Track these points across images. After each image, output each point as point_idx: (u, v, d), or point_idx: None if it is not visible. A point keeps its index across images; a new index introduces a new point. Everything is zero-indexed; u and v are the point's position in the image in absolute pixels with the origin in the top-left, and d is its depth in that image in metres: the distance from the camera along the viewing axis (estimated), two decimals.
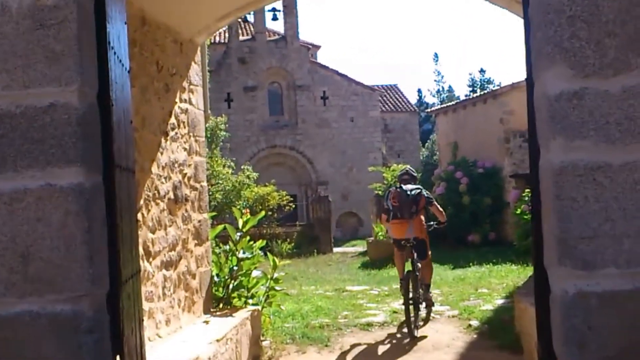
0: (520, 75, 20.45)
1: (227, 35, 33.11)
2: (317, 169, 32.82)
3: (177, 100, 6.78)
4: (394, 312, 9.33)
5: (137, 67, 5.74)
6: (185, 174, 6.84)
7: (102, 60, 3.10)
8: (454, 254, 18.53)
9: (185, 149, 6.89)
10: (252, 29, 34.01)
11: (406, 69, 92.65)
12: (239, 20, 33.40)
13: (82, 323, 2.84)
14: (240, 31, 33.43)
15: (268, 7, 32.82)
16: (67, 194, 2.83)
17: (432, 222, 9.38)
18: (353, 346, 7.49)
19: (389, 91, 42.01)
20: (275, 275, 7.71)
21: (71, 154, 2.83)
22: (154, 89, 6.15)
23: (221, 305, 7.58)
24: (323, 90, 33.38)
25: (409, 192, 8.68)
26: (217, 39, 34.15)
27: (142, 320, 3.91)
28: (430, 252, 9.33)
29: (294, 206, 25.13)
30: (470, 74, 64.81)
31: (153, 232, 5.91)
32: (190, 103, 7.16)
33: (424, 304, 8.76)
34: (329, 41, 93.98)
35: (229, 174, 21.59)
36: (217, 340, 5.83)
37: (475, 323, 8.22)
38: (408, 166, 10.48)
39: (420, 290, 8.57)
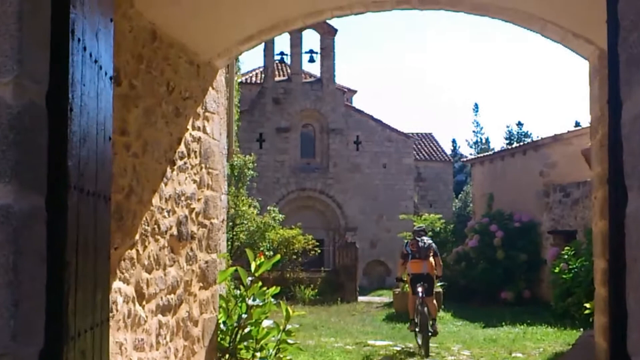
0: (560, 129, 19.75)
1: (262, 75, 32.81)
2: (347, 214, 32.05)
3: (189, 127, 6.14)
4: None
5: (142, 85, 5.12)
6: (193, 208, 6.16)
7: (59, 51, 2.43)
8: (485, 312, 17.58)
9: (195, 181, 6.22)
10: (288, 70, 33.68)
11: (442, 119, 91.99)
12: (276, 61, 33.16)
13: None
14: (276, 72, 33.10)
15: (305, 49, 32.53)
16: None
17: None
18: None
19: (423, 139, 41.31)
20: (289, 326, 6.93)
21: None
22: (161, 111, 5.51)
23: (227, 357, 6.83)
24: (357, 134, 32.79)
25: (423, 243, 11.91)
26: (253, 79, 33.93)
27: None
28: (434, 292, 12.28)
29: (319, 251, 24.32)
30: (507, 126, 63.84)
31: (149, 272, 5.21)
32: (205, 131, 6.51)
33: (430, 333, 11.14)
34: (366, 87, 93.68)
35: (254, 215, 20.92)
36: None
37: None
38: (422, 224, 14.41)
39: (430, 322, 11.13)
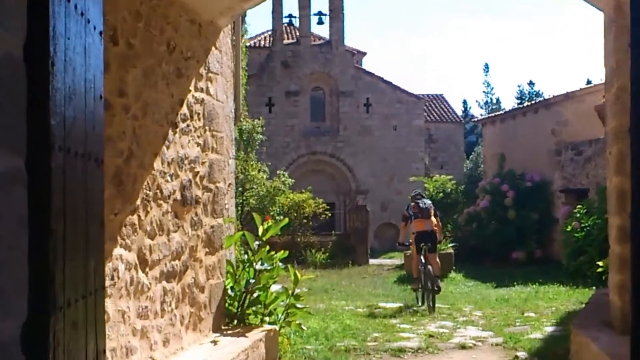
0: (572, 87, 19.41)
1: (271, 38, 32.44)
2: (357, 177, 31.91)
3: (192, 88, 5.97)
4: (430, 335, 8.37)
5: (140, 45, 4.95)
6: (197, 172, 6.01)
7: (38, 0, 2.26)
8: (497, 272, 17.50)
9: (198, 144, 6.07)
10: (296, 32, 33.31)
11: (452, 80, 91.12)
12: (284, 24, 32.77)
13: None
14: (284, 35, 32.72)
15: (314, 11, 32.13)
16: None
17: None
18: None
19: (434, 101, 40.92)
20: (297, 290, 6.82)
21: None
22: (162, 72, 5.34)
23: (235, 323, 6.74)
24: (367, 97, 32.50)
25: (423, 204, 12.57)
26: (262, 43, 33.58)
27: (104, 351, 3.06)
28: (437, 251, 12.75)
29: (330, 215, 24.21)
30: (519, 86, 63.09)
31: (152, 238, 5.09)
32: (208, 93, 6.33)
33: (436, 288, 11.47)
34: (375, 48, 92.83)
35: (264, 179, 20.80)
36: None
37: (522, 354, 7.20)
38: (419, 190, 15.19)
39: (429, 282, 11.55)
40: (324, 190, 28.85)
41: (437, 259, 12.40)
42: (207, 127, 6.27)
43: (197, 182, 6.00)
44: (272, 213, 19.69)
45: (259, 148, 21.28)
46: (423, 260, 11.96)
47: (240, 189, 19.37)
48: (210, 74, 6.38)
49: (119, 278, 4.58)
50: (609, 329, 5.79)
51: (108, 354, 4.36)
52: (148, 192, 5.04)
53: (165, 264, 5.32)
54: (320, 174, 31.81)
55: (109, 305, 4.40)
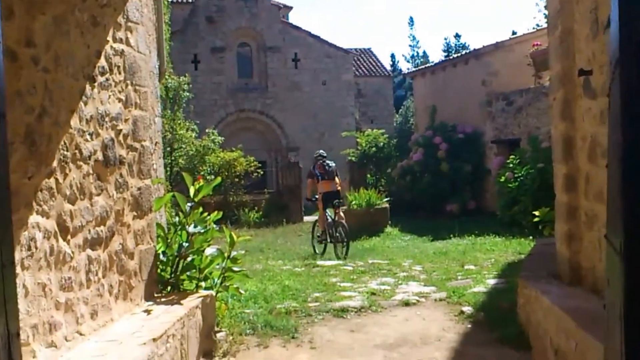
0: (499, 38, 19.36)
1: None
2: (288, 134, 31.55)
3: (110, 39, 5.44)
4: (372, 293, 8.14)
5: None
6: (120, 130, 5.52)
7: None
8: (432, 225, 17.52)
9: (120, 100, 5.56)
10: None
11: (379, 34, 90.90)
12: None
13: None
14: None
15: None
16: None
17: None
18: (324, 339, 6.28)
19: (362, 55, 40.62)
20: (234, 253, 6.45)
21: None
22: (75, 20, 4.80)
23: (169, 289, 6.34)
24: (295, 52, 32.02)
25: (328, 166, 14.24)
26: None
27: (18, 334, 2.65)
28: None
29: (262, 173, 23.83)
30: (445, 39, 63.34)
31: (72, 203, 4.61)
32: (129, 44, 5.81)
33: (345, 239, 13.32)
34: (302, 2, 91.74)
35: (193, 138, 20.21)
36: (154, 340, 4.59)
37: (468, 309, 7.01)
38: (321, 150, 15.55)
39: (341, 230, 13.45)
40: (255, 148, 28.43)
41: (342, 213, 14.17)
42: (128, 82, 5.77)
43: (120, 140, 5.52)
44: (202, 173, 19.19)
45: (185, 106, 20.63)
46: (332, 216, 13.82)
47: (168, 148, 18.78)
48: (129, 24, 5.86)
49: (37, 248, 4.12)
50: (557, 281, 5.64)
51: (29, 331, 3.94)
52: (65, 152, 4.55)
53: (89, 231, 4.87)
54: (250, 132, 31.32)
55: (27, 278, 3.96)
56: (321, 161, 14.28)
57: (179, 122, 19.66)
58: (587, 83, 4.98)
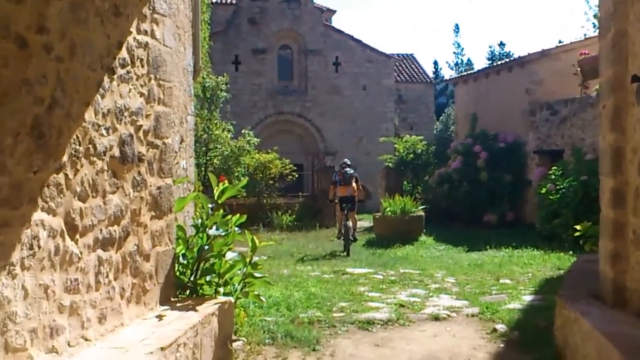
0: (544, 47, 18.74)
1: None
2: (326, 138, 31.27)
3: (133, 30, 5.19)
4: (401, 305, 7.79)
5: None
6: (140, 126, 5.26)
7: None
8: (468, 235, 17.05)
9: (142, 94, 5.31)
10: None
11: (423, 40, 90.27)
12: None
13: None
14: None
15: None
16: None
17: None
18: (346, 352, 5.95)
19: (404, 60, 40.20)
20: (256, 258, 6.16)
21: None
22: (94, 7, 4.56)
23: (188, 293, 6.07)
24: (336, 55, 31.76)
25: (347, 173, 15.93)
26: None
27: None
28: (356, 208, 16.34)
29: (297, 176, 23.55)
30: (489, 47, 62.53)
31: (83, 201, 4.36)
32: (154, 37, 5.56)
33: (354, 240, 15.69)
34: (345, 6, 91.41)
35: (228, 139, 20.02)
36: (162, 349, 4.31)
37: (501, 327, 6.62)
38: (346, 159, 17.33)
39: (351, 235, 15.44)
40: (292, 151, 28.22)
41: (355, 216, 16.28)
42: (152, 75, 5.51)
43: (140, 137, 5.26)
44: (236, 174, 19.00)
45: (223, 106, 20.46)
46: (345, 218, 15.43)
47: (203, 148, 18.62)
48: (156, 15, 5.61)
49: (40, 247, 3.87)
50: (599, 302, 5.24)
51: (26, 335, 3.70)
52: (78, 147, 4.30)
53: (101, 230, 4.61)
54: (289, 135, 31.14)
55: (28, 279, 3.71)
56: (342, 169, 16.15)
57: (215, 122, 19.49)
58: None
